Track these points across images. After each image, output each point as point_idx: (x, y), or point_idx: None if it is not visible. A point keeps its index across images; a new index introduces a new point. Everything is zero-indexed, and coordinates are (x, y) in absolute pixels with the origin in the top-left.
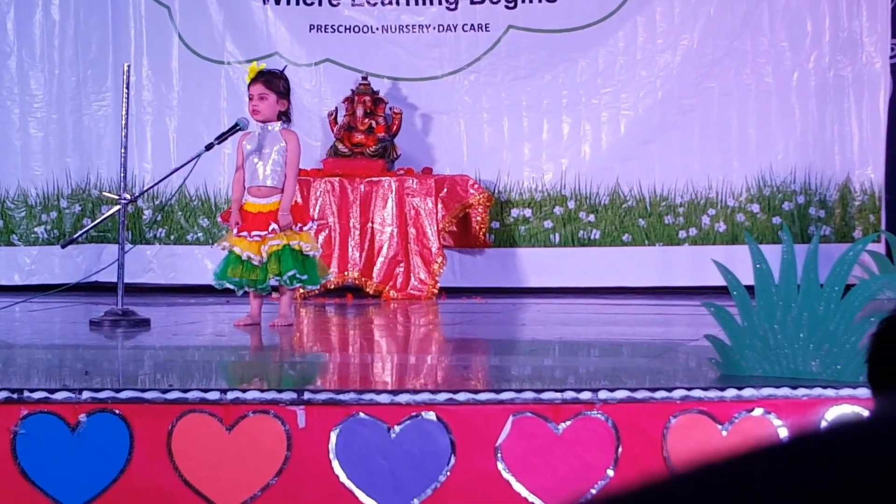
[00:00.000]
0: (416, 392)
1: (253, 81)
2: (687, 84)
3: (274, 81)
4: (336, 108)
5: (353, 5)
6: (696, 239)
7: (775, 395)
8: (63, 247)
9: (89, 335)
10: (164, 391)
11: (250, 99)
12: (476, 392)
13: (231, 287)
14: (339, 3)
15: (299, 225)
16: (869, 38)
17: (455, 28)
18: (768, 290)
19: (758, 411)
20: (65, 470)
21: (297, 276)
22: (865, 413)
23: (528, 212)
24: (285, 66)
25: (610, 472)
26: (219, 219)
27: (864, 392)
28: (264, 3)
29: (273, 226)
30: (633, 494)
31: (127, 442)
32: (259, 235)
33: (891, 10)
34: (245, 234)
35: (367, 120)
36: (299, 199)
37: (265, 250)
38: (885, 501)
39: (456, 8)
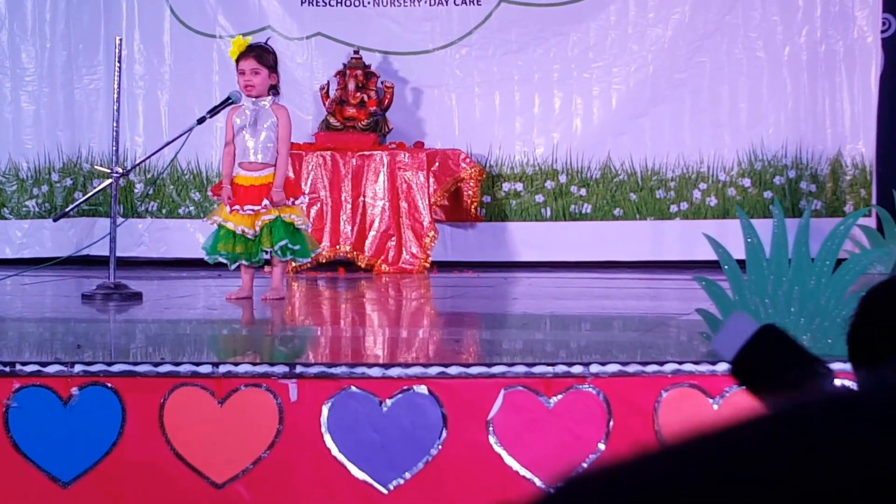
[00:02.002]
0: (407, 366)
1: (244, 56)
2: (678, 58)
3: (265, 56)
4: (328, 82)
5: None
6: (688, 213)
7: None
8: (55, 220)
9: (81, 308)
10: (156, 364)
11: (241, 74)
12: (467, 366)
13: (223, 261)
14: None
15: (291, 199)
16: (861, 13)
17: (447, 2)
18: (759, 264)
19: None
20: (57, 443)
21: (289, 245)
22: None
23: (519, 186)
24: (268, 38)
25: (601, 446)
26: (209, 192)
27: None
28: None
29: (266, 202)
30: (619, 468)
31: (119, 415)
32: (252, 209)
33: None
34: (237, 208)
35: (358, 94)
36: (291, 174)
37: (258, 224)
38: (882, 477)
39: None
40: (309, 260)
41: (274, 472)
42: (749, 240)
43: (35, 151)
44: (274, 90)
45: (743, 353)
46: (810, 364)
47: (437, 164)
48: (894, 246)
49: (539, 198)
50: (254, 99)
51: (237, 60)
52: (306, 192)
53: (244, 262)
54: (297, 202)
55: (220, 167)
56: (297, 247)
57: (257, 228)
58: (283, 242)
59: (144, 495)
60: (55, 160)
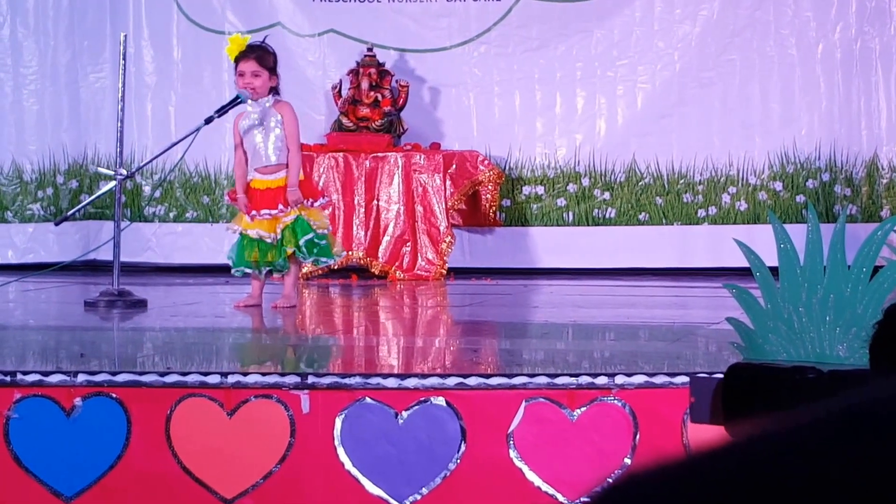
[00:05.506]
0: (424, 376)
1: (244, 57)
2: (707, 56)
3: (266, 57)
4: (340, 81)
5: None
6: (716, 218)
7: None
8: (57, 224)
9: (85, 316)
10: (163, 374)
11: (241, 75)
12: (487, 377)
13: (250, 272)
14: None
15: (310, 200)
16: None
17: None
18: (793, 271)
19: None
20: (59, 456)
21: (315, 240)
22: None
23: (540, 189)
24: (266, 37)
25: (627, 461)
26: (226, 198)
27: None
28: None
29: (281, 207)
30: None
31: (124, 427)
32: (269, 214)
33: None
34: (255, 213)
35: (372, 93)
36: (301, 175)
37: (279, 228)
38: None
39: None
40: (335, 262)
41: (285, 487)
42: (782, 245)
43: (39, 153)
44: (274, 91)
45: (726, 403)
46: (795, 374)
47: (454, 166)
48: None
49: (561, 202)
50: (256, 101)
51: (236, 60)
52: (323, 192)
53: (269, 269)
54: (315, 203)
55: (228, 170)
56: (323, 241)
57: (278, 232)
58: (309, 236)
59: None
60: (60, 162)
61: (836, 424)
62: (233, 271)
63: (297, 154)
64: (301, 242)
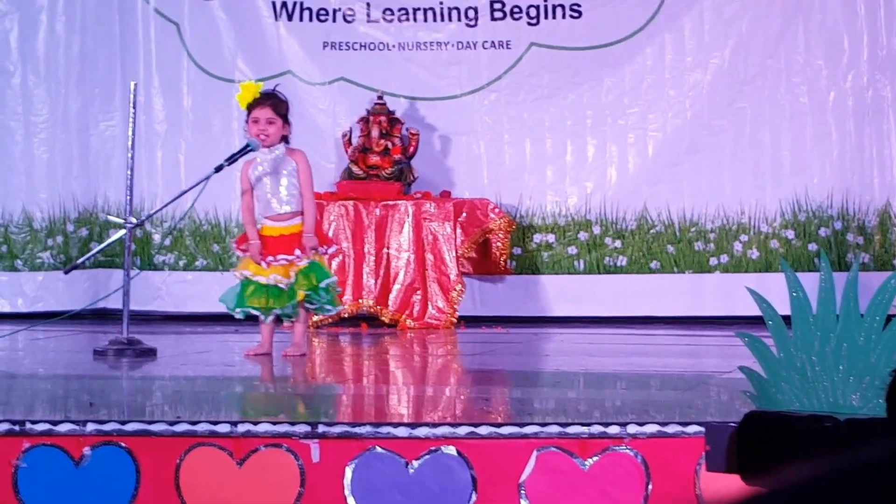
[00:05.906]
0: (435, 425)
1: (259, 104)
2: (718, 104)
3: (280, 105)
4: (350, 129)
5: (368, 21)
6: (728, 266)
7: None
8: (66, 272)
9: (94, 365)
10: (172, 423)
11: (255, 122)
12: (498, 426)
13: (255, 313)
14: (354, 20)
15: (324, 247)
16: None
17: (475, 45)
18: (805, 319)
19: None
20: None
21: (334, 285)
22: None
23: (551, 237)
24: (277, 85)
25: None
26: (233, 245)
27: None
28: (276, 19)
29: (297, 252)
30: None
31: (133, 476)
32: (287, 259)
33: None
34: (271, 258)
35: (382, 141)
36: None
37: (293, 273)
38: None
39: (476, 24)
40: (335, 312)
41: None
42: (795, 294)
43: (49, 200)
44: (284, 140)
45: (741, 451)
46: (812, 423)
47: (464, 214)
48: None
49: (572, 250)
50: (267, 149)
51: (250, 107)
52: (333, 240)
53: (278, 313)
54: (329, 250)
55: (238, 217)
56: (339, 289)
57: (292, 276)
58: (329, 281)
59: None
60: (70, 210)
61: (854, 473)
62: (234, 313)
63: (312, 200)
64: (322, 285)
